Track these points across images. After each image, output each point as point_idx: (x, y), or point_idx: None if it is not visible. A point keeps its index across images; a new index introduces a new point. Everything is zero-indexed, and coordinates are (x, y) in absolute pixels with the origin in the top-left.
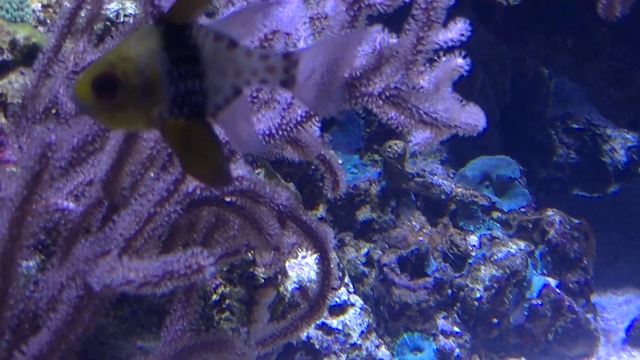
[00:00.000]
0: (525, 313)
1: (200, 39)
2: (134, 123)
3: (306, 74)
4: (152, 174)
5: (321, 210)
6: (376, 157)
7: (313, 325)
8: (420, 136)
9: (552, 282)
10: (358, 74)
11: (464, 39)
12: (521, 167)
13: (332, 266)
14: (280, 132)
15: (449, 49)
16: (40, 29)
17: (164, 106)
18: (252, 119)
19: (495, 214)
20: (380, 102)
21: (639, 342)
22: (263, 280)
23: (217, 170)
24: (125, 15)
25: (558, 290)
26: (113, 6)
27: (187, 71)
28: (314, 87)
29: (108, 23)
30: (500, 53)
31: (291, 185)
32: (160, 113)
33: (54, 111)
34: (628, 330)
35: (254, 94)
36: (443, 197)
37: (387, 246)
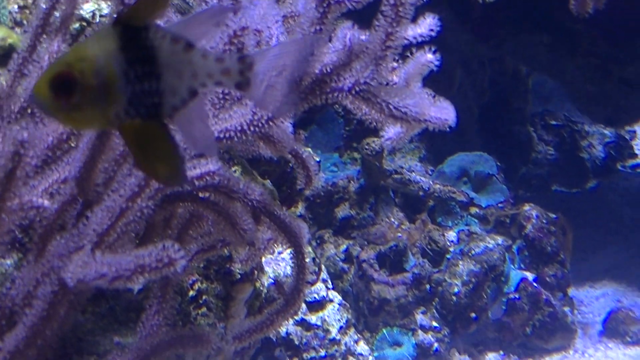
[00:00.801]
0: (503, 307)
1: (157, 41)
2: (91, 122)
3: (261, 76)
4: (124, 171)
5: (300, 208)
6: (355, 155)
7: (290, 319)
8: (392, 131)
9: (530, 276)
10: (328, 69)
11: (433, 34)
12: (498, 164)
13: (306, 260)
14: (252, 128)
15: (421, 44)
16: (17, 30)
17: (120, 106)
18: (208, 119)
19: (473, 210)
20: (351, 97)
21: (615, 334)
22: (239, 276)
23: (172, 170)
24: (101, 16)
25: (535, 284)
26: (89, 7)
27: (144, 72)
28: (268, 89)
29: (84, 23)
30: (479, 51)
31: (267, 182)
32: (117, 113)
33: (29, 111)
34: (604, 322)
35: (226, 91)
36: (421, 193)
37: (366, 242)
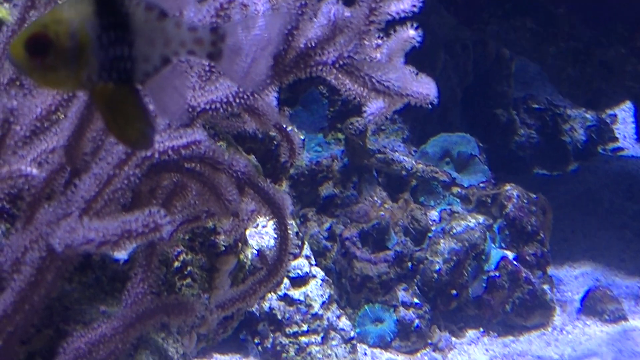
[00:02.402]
0: (484, 285)
1: (132, 8)
2: (63, 84)
3: (233, 48)
4: (112, 139)
5: (284, 186)
6: (340, 136)
7: (272, 290)
8: (374, 106)
9: (510, 254)
10: (313, 43)
11: (415, 9)
12: (480, 144)
13: (289, 231)
14: (237, 100)
15: (404, 21)
16: (6, 5)
17: (93, 70)
18: (182, 88)
19: (455, 190)
20: (335, 71)
21: (593, 312)
22: (224, 248)
23: (140, 134)
24: None
25: (515, 263)
26: None
27: (117, 38)
28: (240, 62)
29: None
30: (463, 35)
31: (252, 157)
32: (90, 76)
33: (17, 83)
34: (582, 300)
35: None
36: (404, 173)
37: (349, 221)
